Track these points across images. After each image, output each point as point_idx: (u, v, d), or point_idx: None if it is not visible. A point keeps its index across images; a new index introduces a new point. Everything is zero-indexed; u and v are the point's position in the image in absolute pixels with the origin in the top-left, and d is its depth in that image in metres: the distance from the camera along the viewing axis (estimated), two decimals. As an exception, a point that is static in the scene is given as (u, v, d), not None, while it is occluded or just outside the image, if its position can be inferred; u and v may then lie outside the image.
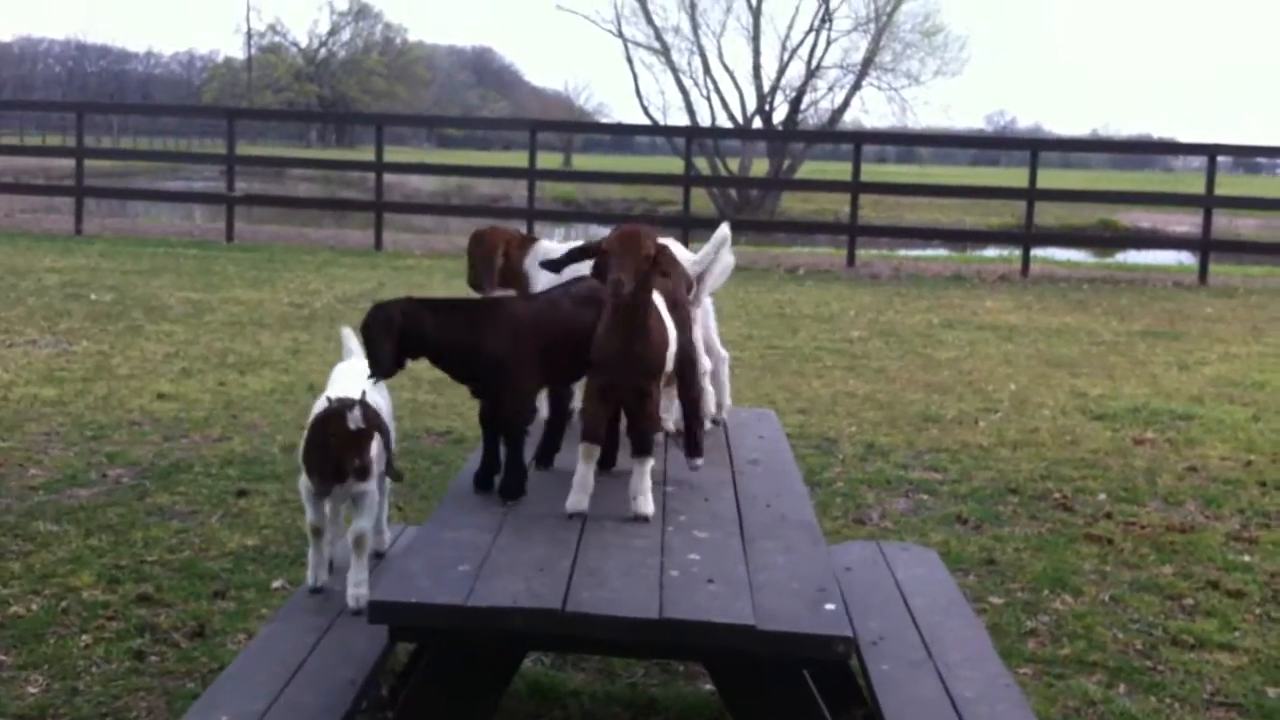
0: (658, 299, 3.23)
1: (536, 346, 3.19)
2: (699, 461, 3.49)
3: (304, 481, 3.60)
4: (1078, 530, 5.92)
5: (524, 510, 3.12)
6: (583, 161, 55.58)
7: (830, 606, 2.54)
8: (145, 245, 16.55)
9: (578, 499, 3.12)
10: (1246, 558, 5.60)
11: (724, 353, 4.07)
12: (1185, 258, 22.29)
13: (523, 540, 2.88)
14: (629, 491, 3.13)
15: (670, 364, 3.22)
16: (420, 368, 9.06)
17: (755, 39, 35.94)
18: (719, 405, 4.04)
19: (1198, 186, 18.02)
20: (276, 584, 4.88)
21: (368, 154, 21.39)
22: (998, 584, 5.19)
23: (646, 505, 3.12)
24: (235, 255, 15.84)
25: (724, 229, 3.83)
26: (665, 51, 35.91)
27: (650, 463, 3.14)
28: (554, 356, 3.24)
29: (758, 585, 2.64)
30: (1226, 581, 5.26)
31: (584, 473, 3.13)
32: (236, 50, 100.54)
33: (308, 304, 11.90)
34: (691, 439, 3.49)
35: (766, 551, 2.87)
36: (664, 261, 3.03)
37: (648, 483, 3.12)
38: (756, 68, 36.20)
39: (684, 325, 3.36)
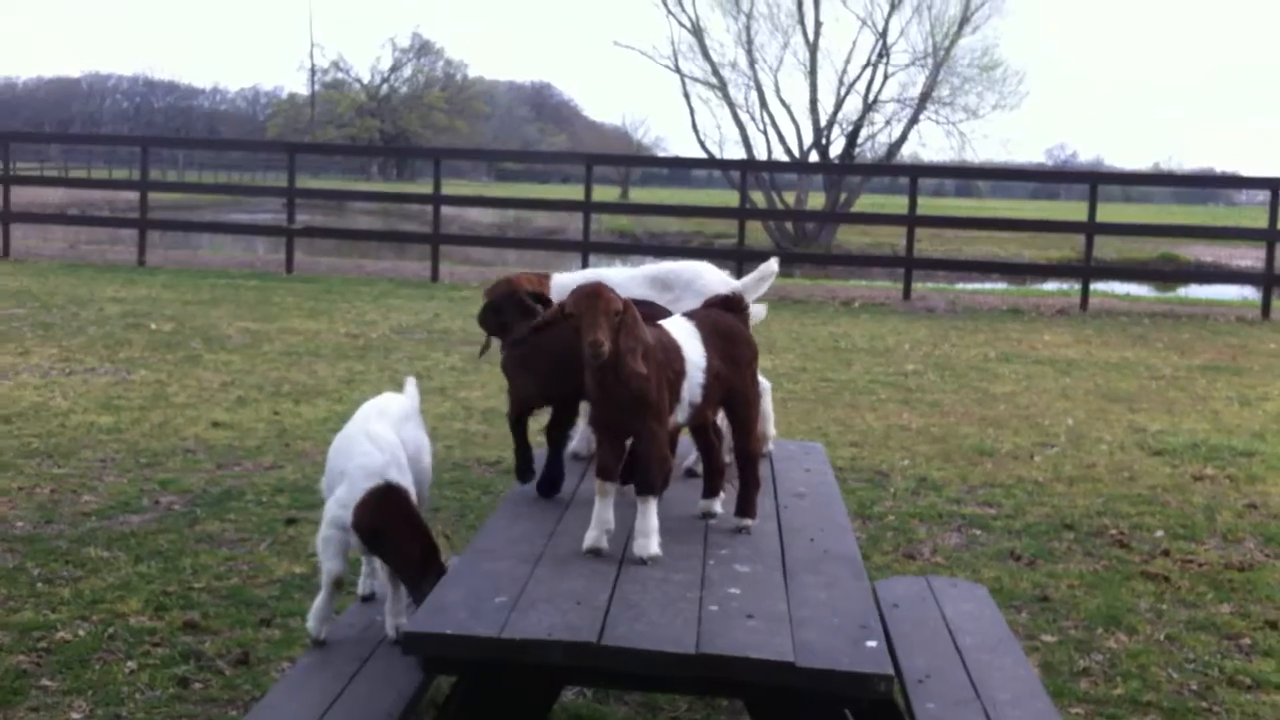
0: (688, 327, 3.20)
1: None
2: (749, 522, 3.35)
3: (331, 535, 3.53)
4: (1134, 567, 5.81)
5: (564, 542, 3.10)
6: (639, 195, 55.80)
7: (872, 644, 2.49)
8: (206, 276, 16.77)
9: (595, 536, 3.08)
10: (1307, 597, 5.46)
11: (765, 382, 4.03)
12: (1249, 292, 21.94)
13: (561, 572, 2.86)
14: (634, 531, 3.07)
15: (693, 396, 3.14)
16: (474, 396, 9.03)
17: (812, 73, 35.95)
18: (765, 436, 3.99)
19: (1262, 220, 17.75)
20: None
21: (426, 187, 21.58)
22: (1050, 621, 5.09)
23: (648, 547, 3.03)
24: (294, 286, 16.00)
25: (773, 263, 3.80)
26: (722, 86, 35.99)
27: (654, 503, 3.06)
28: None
29: (798, 621, 2.59)
30: (1287, 622, 5.14)
31: (600, 509, 3.08)
32: (300, 86, 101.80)
33: (364, 334, 11.99)
34: (744, 497, 3.38)
35: (808, 586, 2.82)
36: (629, 319, 2.97)
37: (652, 523, 3.04)
38: (813, 102, 36.22)
39: (736, 360, 3.28)
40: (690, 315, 3.30)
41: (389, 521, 3.30)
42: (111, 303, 13.57)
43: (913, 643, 3.58)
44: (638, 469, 3.05)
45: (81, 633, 4.54)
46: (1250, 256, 31.88)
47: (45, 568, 5.22)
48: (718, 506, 3.39)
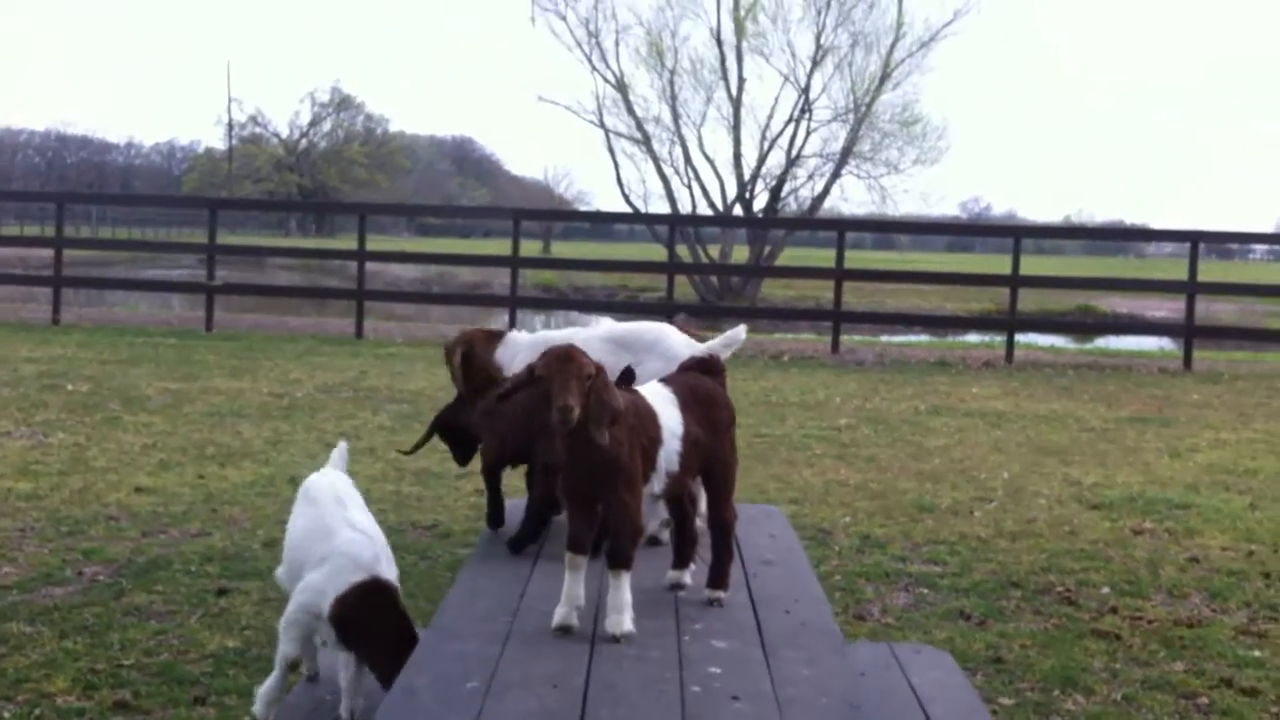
0: (664, 393, 3.09)
1: None
2: (721, 594, 3.22)
3: (300, 619, 3.36)
4: (1084, 625, 5.77)
5: (531, 618, 2.96)
6: (562, 249, 55.82)
7: (864, 724, 2.39)
8: (123, 334, 16.39)
9: (564, 613, 2.94)
10: (1257, 653, 5.45)
11: None
12: (1165, 343, 22.36)
13: (532, 652, 2.72)
14: (605, 607, 2.94)
15: (670, 464, 3.03)
16: (406, 457, 8.86)
17: (736, 129, 36.24)
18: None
19: (1173, 272, 18.18)
20: (261, 689, 4.67)
21: (348, 242, 21.39)
22: (1006, 684, 5.02)
23: (621, 624, 2.89)
24: (215, 344, 15.68)
25: (740, 331, 3.74)
26: (646, 141, 36.14)
27: (626, 576, 2.93)
28: None
29: (785, 701, 2.48)
30: (1240, 679, 5.11)
31: (570, 584, 2.94)
32: (218, 141, 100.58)
33: (288, 393, 11.74)
34: (717, 568, 3.25)
35: (790, 663, 2.71)
36: (600, 383, 2.86)
37: (625, 598, 2.91)
38: (737, 156, 36.47)
39: (715, 426, 3.17)
40: (667, 381, 3.19)
41: (374, 620, 3.15)
42: (26, 363, 13.18)
43: (882, 716, 3.47)
44: (610, 540, 2.93)
45: (6, 715, 4.30)
46: (1164, 308, 32.55)
47: (-37, 646, 4.96)
48: (688, 578, 3.27)
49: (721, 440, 3.18)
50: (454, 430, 4.38)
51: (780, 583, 3.32)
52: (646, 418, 3.00)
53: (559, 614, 2.91)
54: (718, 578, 3.20)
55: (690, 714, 2.42)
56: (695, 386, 3.19)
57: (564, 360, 2.81)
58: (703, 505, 3.35)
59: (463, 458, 4.41)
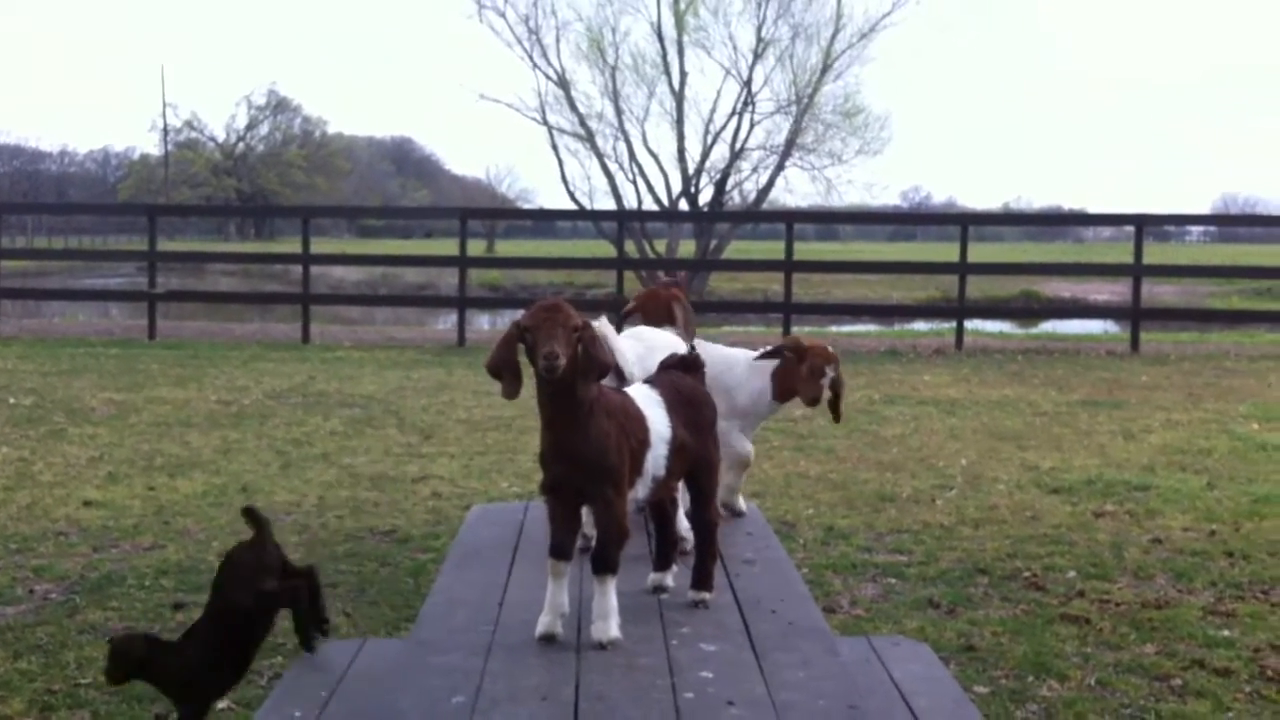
0: (651, 395, 3.00)
1: None
2: (706, 596, 3.15)
3: None
4: (1053, 610, 5.75)
5: (513, 628, 2.87)
6: (506, 247, 55.51)
7: (865, 727, 2.32)
8: (64, 346, 16.08)
9: (548, 622, 2.84)
10: (1226, 632, 5.46)
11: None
12: (1110, 326, 22.56)
13: (518, 664, 2.63)
14: (590, 614, 2.85)
15: (656, 469, 2.95)
16: (360, 462, 8.72)
17: (679, 123, 36.19)
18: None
19: (1112, 256, 18.35)
20: (222, 705, 4.55)
21: (288, 246, 21.13)
22: (980, 672, 5.00)
23: (608, 630, 2.81)
24: (158, 353, 15.41)
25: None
26: (590, 137, 35.99)
27: (611, 581, 2.84)
28: None
29: (782, 705, 2.41)
30: (1211, 659, 5.11)
31: (554, 592, 2.85)
32: (153, 147, 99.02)
33: (236, 401, 11.55)
34: (699, 569, 3.16)
35: (783, 666, 2.64)
36: (589, 336, 2.78)
37: (611, 604, 2.83)
38: (681, 151, 36.42)
39: (699, 427, 3.09)
40: (652, 381, 3.10)
41: None
42: (-35, 377, 12.89)
43: (868, 710, 3.41)
44: (596, 544, 2.84)
45: (-40, 744, 4.16)
46: (1107, 291, 32.89)
47: (-87, 672, 4.80)
48: (669, 580, 3.19)
49: (706, 441, 3.10)
50: None
51: (763, 582, 3.25)
52: (635, 420, 2.91)
53: (543, 623, 2.82)
54: (702, 579, 3.12)
55: (686, 723, 2.35)
56: (680, 387, 3.09)
57: (550, 310, 2.72)
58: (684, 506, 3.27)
59: None
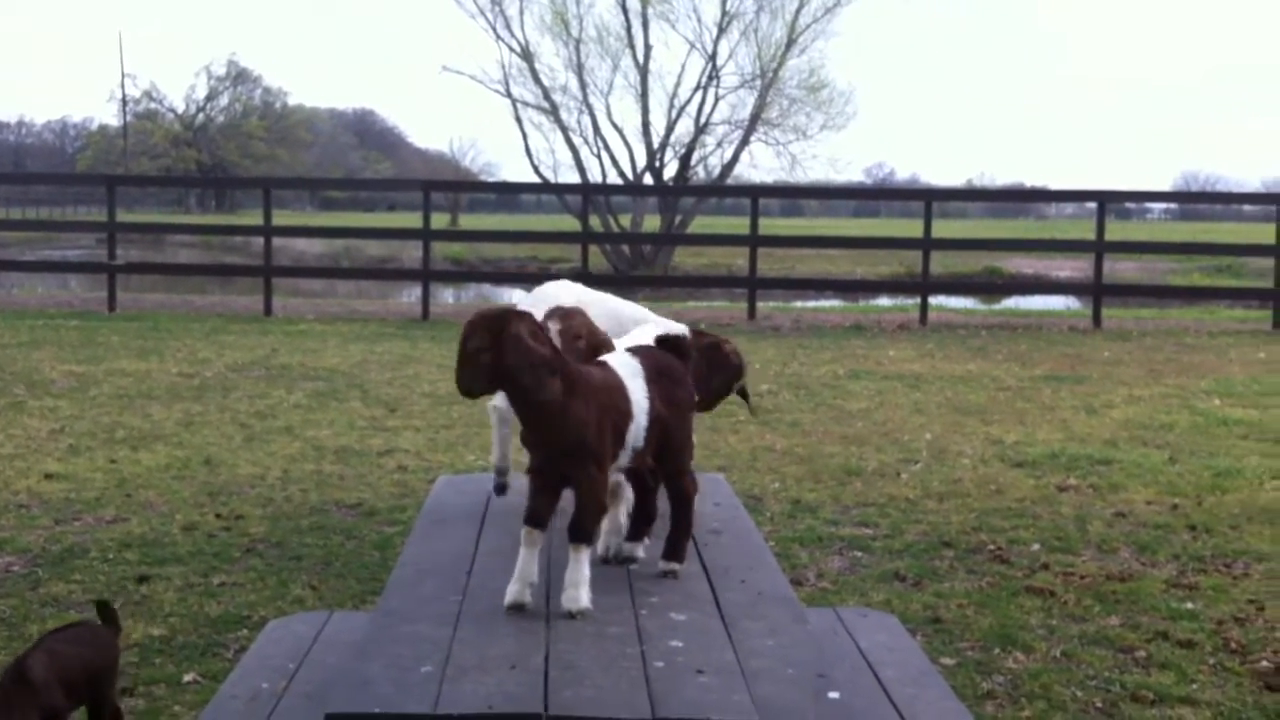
0: (632, 365, 2.98)
1: None
2: (676, 566, 3.12)
3: None
4: (1018, 583, 5.79)
5: (481, 596, 2.85)
6: (470, 221, 55.24)
7: (834, 695, 2.32)
8: (23, 318, 15.88)
9: (517, 590, 2.82)
10: (1189, 605, 5.51)
11: None
12: (1072, 302, 22.70)
13: (487, 633, 2.61)
14: (562, 582, 2.84)
15: (636, 441, 2.93)
16: (324, 435, 8.67)
17: (643, 97, 36.04)
18: None
19: (1073, 232, 18.45)
20: (188, 678, 4.53)
21: (249, 218, 20.96)
22: (946, 644, 5.02)
23: (578, 599, 2.79)
24: (119, 325, 15.25)
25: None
26: (554, 110, 35.78)
27: (586, 552, 2.83)
28: None
29: (751, 673, 2.40)
30: (1175, 631, 5.16)
31: (525, 560, 2.82)
32: (112, 118, 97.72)
33: (198, 373, 11.45)
34: (674, 540, 3.15)
35: (752, 634, 2.63)
36: (503, 344, 2.71)
37: (584, 574, 2.81)
38: (645, 125, 36.27)
39: (676, 403, 3.05)
40: (635, 352, 3.08)
41: None
42: (-79, 349, 12.71)
43: (835, 679, 3.42)
44: (575, 514, 2.82)
45: (-82, 718, 4.10)
46: (1068, 267, 33.08)
47: None
48: (641, 551, 3.17)
49: (682, 419, 3.07)
50: None
51: (731, 552, 3.24)
52: (616, 392, 2.89)
53: (511, 591, 2.80)
54: (675, 550, 3.11)
55: (655, 690, 2.33)
56: (660, 361, 3.07)
57: (465, 332, 2.74)
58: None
59: None
